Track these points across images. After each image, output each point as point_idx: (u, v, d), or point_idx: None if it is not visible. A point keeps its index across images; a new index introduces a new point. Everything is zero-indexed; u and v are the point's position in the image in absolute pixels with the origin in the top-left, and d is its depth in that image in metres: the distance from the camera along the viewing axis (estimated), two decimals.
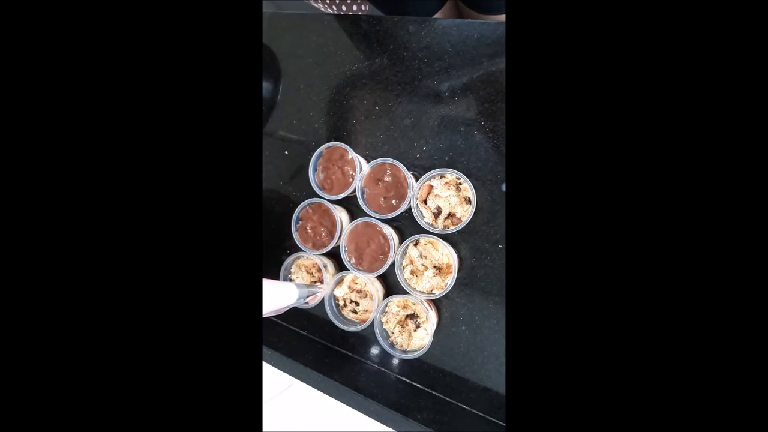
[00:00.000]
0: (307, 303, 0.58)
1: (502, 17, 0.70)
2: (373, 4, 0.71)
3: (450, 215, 0.54)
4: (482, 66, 0.56)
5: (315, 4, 0.65)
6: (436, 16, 0.73)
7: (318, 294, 0.56)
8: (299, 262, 0.62)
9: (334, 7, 0.66)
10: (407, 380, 0.57)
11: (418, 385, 0.57)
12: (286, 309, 0.51)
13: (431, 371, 0.57)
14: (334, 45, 0.64)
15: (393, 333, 0.57)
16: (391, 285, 0.59)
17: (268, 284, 0.46)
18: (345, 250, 0.57)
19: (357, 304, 0.59)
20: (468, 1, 0.71)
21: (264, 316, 0.46)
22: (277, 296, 0.47)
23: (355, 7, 0.69)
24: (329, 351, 0.61)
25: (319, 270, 0.59)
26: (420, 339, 0.55)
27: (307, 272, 0.61)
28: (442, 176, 0.55)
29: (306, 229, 0.59)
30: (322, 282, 0.59)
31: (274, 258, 0.66)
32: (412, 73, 0.59)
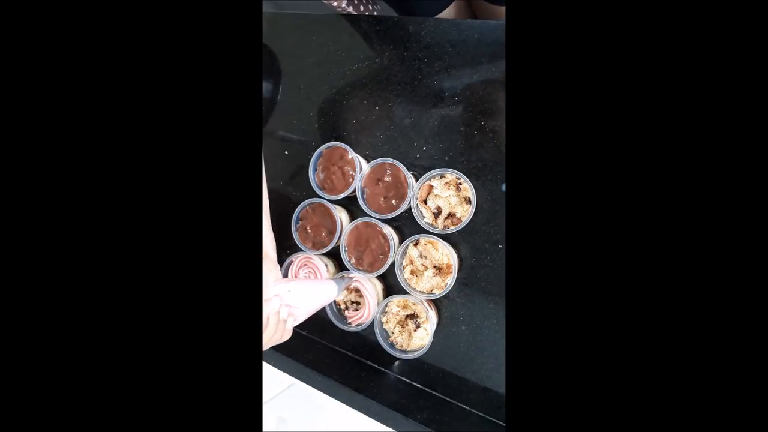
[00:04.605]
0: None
1: None
2: (386, 1, 0.71)
3: (450, 215, 0.54)
4: (482, 66, 0.56)
5: (330, 3, 0.64)
6: (448, 10, 0.72)
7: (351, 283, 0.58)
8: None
9: (351, 8, 0.65)
10: (407, 380, 0.57)
11: (418, 385, 0.57)
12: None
13: (431, 371, 0.57)
14: (334, 45, 0.64)
15: (393, 333, 0.57)
16: (391, 285, 0.59)
17: (312, 284, 0.50)
18: (345, 250, 0.57)
19: (357, 304, 0.59)
20: None
21: (309, 315, 0.48)
22: (322, 295, 0.50)
23: (371, 7, 0.69)
24: (329, 351, 0.61)
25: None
26: (420, 339, 0.55)
27: None
28: (442, 176, 0.55)
29: (306, 229, 0.59)
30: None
31: None
32: (412, 73, 0.59)
